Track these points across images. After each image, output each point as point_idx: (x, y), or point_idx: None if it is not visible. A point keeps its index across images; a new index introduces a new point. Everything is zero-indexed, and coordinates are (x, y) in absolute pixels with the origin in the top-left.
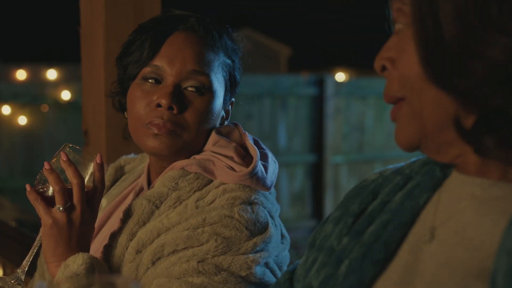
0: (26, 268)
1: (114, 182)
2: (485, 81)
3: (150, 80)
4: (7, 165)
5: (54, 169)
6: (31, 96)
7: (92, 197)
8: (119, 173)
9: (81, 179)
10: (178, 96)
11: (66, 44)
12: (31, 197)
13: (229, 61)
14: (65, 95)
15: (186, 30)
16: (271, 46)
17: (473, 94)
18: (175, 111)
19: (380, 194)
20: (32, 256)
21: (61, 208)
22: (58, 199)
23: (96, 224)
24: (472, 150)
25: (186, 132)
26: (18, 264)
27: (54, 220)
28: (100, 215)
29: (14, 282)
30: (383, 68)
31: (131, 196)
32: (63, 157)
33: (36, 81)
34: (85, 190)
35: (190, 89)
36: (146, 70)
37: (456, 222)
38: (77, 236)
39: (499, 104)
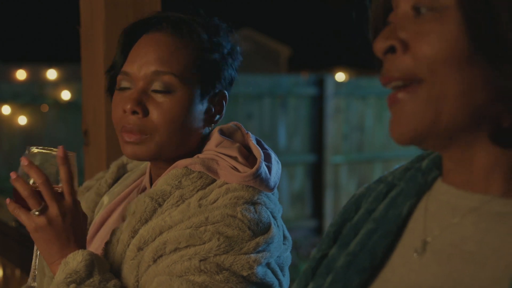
0: (36, 273)
1: (116, 180)
2: None
3: (123, 87)
4: (7, 165)
5: (24, 175)
6: (31, 96)
7: (66, 191)
8: (122, 171)
9: (45, 177)
10: (144, 100)
11: (66, 44)
12: (10, 208)
13: (205, 54)
14: (65, 95)
15: (154, 32)
16: (271, 46)
17: None
18: (140, 115)
19: (364, 203)
20: (37, 259)
21: (36, 212)
22: (31, 204)
23: (98, 221)
24: (481, 156)
25: (156, 135)
26: (18, 264)
27: (36, 224)
28: (102, 212)
29: None
30: (389, 50)
31: (133, 194)
32: (24, 162)
33: (36, 81)
34: (59, 186)
35: (156, 90)
36: (120, 77)
37: (451, 234)
38: (64, 232)
39: None
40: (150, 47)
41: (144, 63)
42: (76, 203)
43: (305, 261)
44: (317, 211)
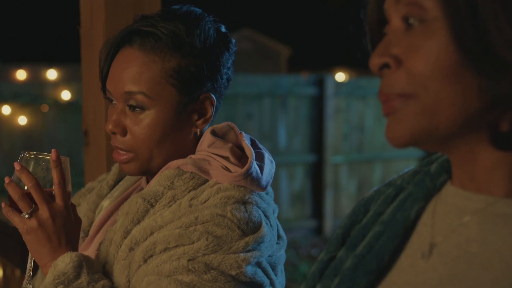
0: (31, 275)
1: (118, 181)
2: None
3: (112, 101)
4: (7, 165)
5: (18, 180)
6: (31, 96)
7: (57, 193)
8: (123, 173)
9: (35, 180)
10: (123, 119)
11: (66, 44)
12: (4, 211)
13: (175, 65)
14: (65, 95)
15: (126, 47)
16: (271, 46)
17: None
18: (119, 135)
19: (373, 206)
20: (32, 263)
21: (26, 215)
22: (21, 207)
23: (97, 223)
24: (481, 158)
25: (139, 152)
26: (18, 264)
27: (28, 227)
28: (102, 213)
29: None
30: (384, 66)
31: (132, 196)
32: (16, 167)
33: (36, 81)
34: (51, 189)
35: (131, 110)
36: (107, 92)
37: (458, 236)
38: (55, 234)
39: None
40: (123, 64)
41: (119, 82)
42: (67, 207)
43: (305, 261)
44: (317, 211)
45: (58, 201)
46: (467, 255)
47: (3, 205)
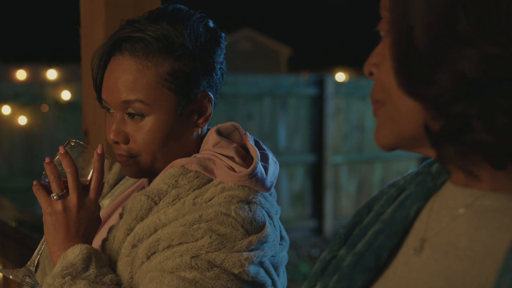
0: (36, 260)
1: (118, 180)
2: (449, 90)
3: (110, 112)
4: (7, 165)
5: (58, 164)
6: (31, 96)
7: (93, 187)
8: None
9: (74, 167)
10: (123, 127)
11: (66, 44)
12: (34, 188)
13: (167, 68)
14: (65, 95)
15: (117, 55)
16: (271, 46)
17: (438, 102)
18: (122, 144)
19: (376, 206)
20: (41, 250)
21: (55, 196)
22: (53, 188)
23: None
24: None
25: (141, 157)
26: (18, 264)
27: (52, 208)
28: (103, 212)
29: (24, 275)
30: (371, 73)
31: (135, 194)
32: (60, 150)
33: (36, 81)
34: (86, 180)
35: (131, 117)
36: (103, 102)
37: (448, 232)
38: (76, 224)
39: (460, 114)
40: (116, 73)
41: (114, 91)
42: (96, 203)
43: (305, 261)
44: (317, 211)
45: (91, 194)
46: (457, 251)
47: (35, 182)
